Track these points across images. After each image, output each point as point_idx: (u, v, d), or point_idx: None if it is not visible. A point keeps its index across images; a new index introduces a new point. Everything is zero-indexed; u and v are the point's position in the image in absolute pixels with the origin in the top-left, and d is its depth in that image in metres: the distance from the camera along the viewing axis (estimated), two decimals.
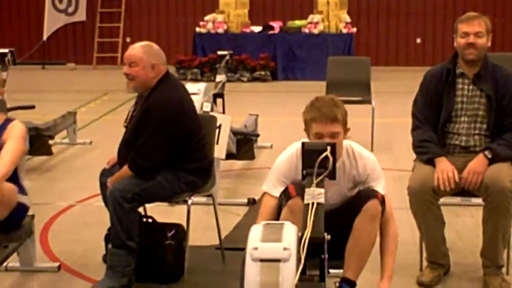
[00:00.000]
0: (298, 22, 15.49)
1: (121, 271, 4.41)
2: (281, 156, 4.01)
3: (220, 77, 8.48)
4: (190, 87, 6.31)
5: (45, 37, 17.00)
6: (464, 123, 4.60)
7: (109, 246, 4.46)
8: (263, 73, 14.81)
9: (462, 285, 4.62)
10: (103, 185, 4.71)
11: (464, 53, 4.59)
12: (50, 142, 7.90)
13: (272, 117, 10.30)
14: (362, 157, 3.97)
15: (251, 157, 7.48)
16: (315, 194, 3.25)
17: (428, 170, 4.45)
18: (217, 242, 5.04)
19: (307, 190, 3.28)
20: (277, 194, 3.90)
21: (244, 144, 7.34)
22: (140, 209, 4.63)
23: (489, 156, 4.44)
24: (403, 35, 17.14)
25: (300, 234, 3.09)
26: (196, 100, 5.84)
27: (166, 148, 4.50)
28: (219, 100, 8.21)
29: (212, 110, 6.77)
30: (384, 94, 11.74)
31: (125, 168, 4.50)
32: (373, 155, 4.04)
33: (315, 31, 15.08)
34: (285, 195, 3.80)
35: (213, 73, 12.62)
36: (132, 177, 4.45)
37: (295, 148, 3.94)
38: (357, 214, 3.82)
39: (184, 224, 4.66)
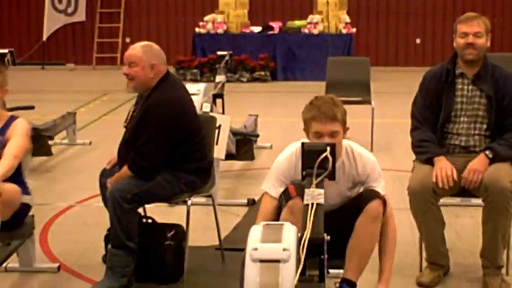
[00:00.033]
0: (297, 23, 15.49)
1: (121, 272, 4.41)
2: (280, 156, 4.01)
3: (220, 78, 8.48)
4: (190, 87, 6.30)
5: (44, 38, 17.00)
6: (464, 123, 4.61)
7: (109, 246, 4.46)
8: (262, 73, 14.81)
9: (461, 285, 4.62)
10: (102, 186, 4.71)
11: (464, 53, 4.59)
12: (50, 142, 7.91)
13: (271, 117, 10.30)
14: (361, 157, 3.98)
15: (251, 157, 7.48)
16: (314, 195, 3.25)
17: (428, 170, 4.45)
18: (216, 242, 5.04)
19: (306, 190, 3.29)
20: (277, 194, 3.90)
21: (244, 145, 7.34)
22: (140, 210, 4.63)
23: (490, 156, 4.44)
24: (402, 36, 17.14)
25: (299, 234, 3.09)
26: (196, 101, 5.84)
27: (166, 148, 4.50)
28: (218, 101, 8.22)
29: (211, 110, 6.78)
30: (384, 94, 11.75)
31: (125, 168, 4.50)
32: (373, 155, 4.05)
33: (315, 31, 15.09)
34: (285, 196, 3.80)
35: (212, 74, 12.63)
36: (131, 178, 4.45)
37: (294, 147, 3.94)
38: (358, 214, 3.82)
39: (184, 225, 4.66)
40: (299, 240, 3.05)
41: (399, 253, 4.12)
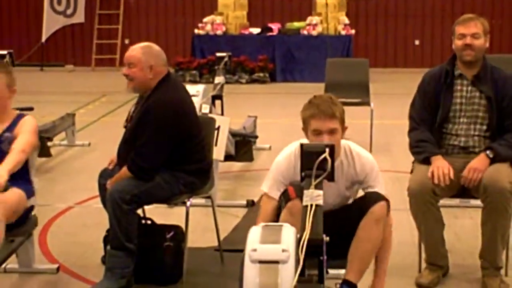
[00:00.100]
0: (296, 24, 15.49)
1: (120, 273, 4.41)
2: (279, 156, 4.02)
3: (219, 79, 8.48)
4: (189, 88, 6.26)
5: (43, 39, 16.99)
6: (463, 124, 4.61)
7: (108, 247, 4.46)
8: (261, 74, 14.81)
9: (461, 286, 4.62)
10: (101, 187, 4.72)
11: (462, 54, 4.60)
12: (49, 144, 7.91)
13: (270, 118, 10.30)
14: (360, 156, 3.99)
15: (250, 158, 7.49)
16: (313, 196, 3.25)
17: (427, 171, 4.46)
18: (216, 243, 5.04)
19: (305, 192, 3.29)
20: (276, 195, 3.91)
21: (243, 146, 7.35)
22: (139, 211, 4.63)
23: (491, 156, 4.45)
24: (401, 37, 17.15)
25: (299, 235, 3.09)
26: (195, 102, 5.83)
27: (167, 149, 4.50)
28: (217, 102, 8.22)
29: (210, 111, 6.78)
30: (383, 95, 11.75)
31: (124, 169, 4.50)
32: (371, 155, 4.06)
33: (314, 33, 15.09)
34: (285, 197, 3.80)
35: (211, 75, 12.62)
36: (131, 179, 4.45)
37: (293, 148, 3.95)
38: (362, 216, 3.82)
39: (183, 226, 4.67)
40: (298, 241, 3.05)
41: (398, 254, 4.12)
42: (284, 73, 15.10)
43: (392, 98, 12.01)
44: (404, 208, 4.68)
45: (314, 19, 15.19)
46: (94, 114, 11.18)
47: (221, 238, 5.09)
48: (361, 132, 8.05)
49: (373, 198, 3.87)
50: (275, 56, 15.08)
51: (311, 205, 3.21)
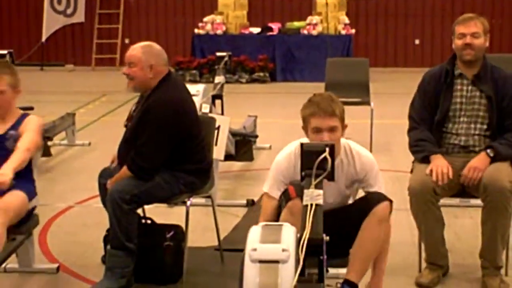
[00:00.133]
0: (296, 24, 15.49)
1: (120, 272, 4.41)
2: (279, 156, 4.02)
3: (219, 79, 8.48)
4: (189, 88, 6.30)
5: (44, 39, 16.99)
6: (463, 123, 4.61)
7: (108, 247, 4.46)
8: (261, 74, 14.81)
9: (461, 286, 4.62)
10: (102, 186, 4.72)
11: (462, 54, 4.61)
12: (49, 143, 7.91)
13: (271, 118, 10.30)
14: (360, 155, 4.00)
15: (250, 158, 7.49)
16: (313, 196, 3.25)
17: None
18: (216, 243, 5.04)
19: (305, 191, 3.29)
20: (277, 195, 3.91)
21: (243, 145, 7.35)
22: (139, 211, 4.63)
23: (491, 155, 4.45)
24: (401, 37, 17.15)
25: (299, 235, 3.09)
26: (195, 102, 5.84)
27: (167, 148, 4.50)
28: (218, 102, 8.22)
29: (211, 111, 6.77)
30: (383, 95, 11.75)
31: (124, 169, 4.50)
32: (371, 154, 4.06)
33: (314, 32, 15.08)
34: (285, 197, 3.81)
35: (211, 75, 12.62)
36: (131, 178, 4.45)
37: (293, 147, 3.96)
38: (364, 216, 3.83)
39: (183, 225, 4.66)
40: (298, 240, 3.05)
41: (398, 253, 4.12)
42: (284, 72, 15.10)
43: (392, 97, 12.00)
44: (404, 208, 4.68)
45: (314, 19, 15.19)
46: (94, 113, 11.18)
47: (221, 237, 5.09)
48: (361, 131, 8.05)
49: (376, 198, 3.87)
50: (275, 56, 15.07)
51: (311, 205, 3.21)
